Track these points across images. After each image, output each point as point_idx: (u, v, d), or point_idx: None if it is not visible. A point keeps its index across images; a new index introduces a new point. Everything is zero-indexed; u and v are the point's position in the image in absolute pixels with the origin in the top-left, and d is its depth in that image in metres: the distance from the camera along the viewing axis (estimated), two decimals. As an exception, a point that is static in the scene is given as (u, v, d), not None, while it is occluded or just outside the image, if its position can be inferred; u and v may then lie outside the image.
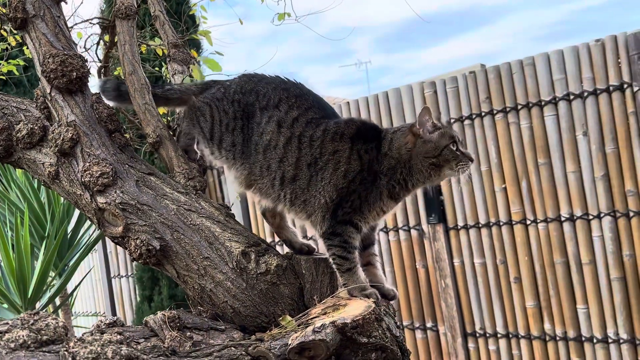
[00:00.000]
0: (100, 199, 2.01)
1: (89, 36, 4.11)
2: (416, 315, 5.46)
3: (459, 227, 5.19)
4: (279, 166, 2.08)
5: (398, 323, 2.11)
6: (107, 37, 3.49)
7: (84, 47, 4.03)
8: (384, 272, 5.66)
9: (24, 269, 4.62)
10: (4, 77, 4.89)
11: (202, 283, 2.02)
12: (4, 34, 4.41)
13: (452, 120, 5.10)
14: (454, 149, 2.00)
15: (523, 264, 4.92)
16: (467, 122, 5.05)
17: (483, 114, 4.97)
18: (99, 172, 1.99)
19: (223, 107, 2.14)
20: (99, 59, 3.88)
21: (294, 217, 2.20)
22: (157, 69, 4.90)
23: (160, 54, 4.63)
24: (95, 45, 3.99)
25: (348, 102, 5.72)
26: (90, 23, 3.73)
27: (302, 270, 2.13)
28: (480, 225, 5.08)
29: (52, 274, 5.10)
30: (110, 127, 2.09)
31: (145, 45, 4.74)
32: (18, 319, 1.45)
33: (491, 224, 5.02)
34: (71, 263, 5.26)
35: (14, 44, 4.48)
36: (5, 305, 4.68)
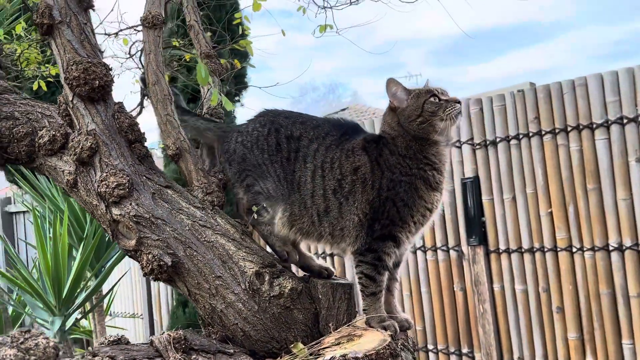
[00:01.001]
0: (115, 211, 1.97)
1: (134, 42, 4.13)
2: (452, 339, 5.28)
3: (500, 251, 5.00)
4: (313, 202, 2.01)
5: (416, 358, 1.99)
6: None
7: (129, 54, 4.05)
8: (416, 294, 5.51)
9: (59, 268, 4.67)
10: (51, 80, 4.98)
11: (213, 303, 1.95)
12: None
13: (497, 140, 4.93)
14: (435, 100, 1.97)
15: (567, 293, 4.70)
16: (513, 142, 4.87)
17: (531, 134, 4.79)
18: (115, 183, 1.95)
19: (252, 152, 2.10)
20: (142, 66, 3.89)
21: (336, 251, 2.12)
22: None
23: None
24: (140, 52, 4.00)
25: (373, 120, 5.60)
26: (135, 30, 3.74)
27: (318, 295, 2.04)
28: (523, 250, 4.88)
29: (88, 274, 5.14)
30: (131, 137, 2.05)
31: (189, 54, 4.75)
32: (9, 337, 1.40)
33: (535, 249, 4.82)
34: (108, 265, 5.30)
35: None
36: (40, 305, 4.73)
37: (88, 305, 5.47)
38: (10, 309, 5.20)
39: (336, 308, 2.03)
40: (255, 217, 2.05)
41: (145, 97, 3.36)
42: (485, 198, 5.03)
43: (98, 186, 1.97)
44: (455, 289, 5.26)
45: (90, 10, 2.11)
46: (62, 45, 2.03)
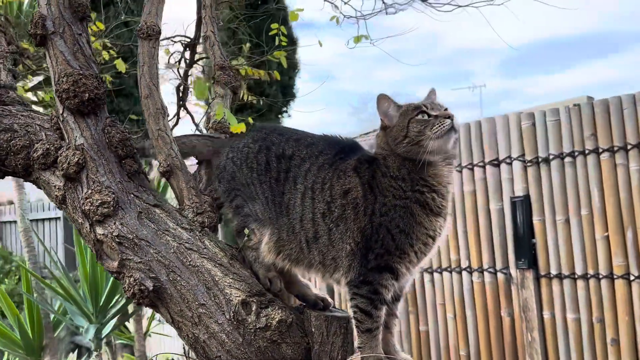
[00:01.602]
0: (99, 230, 1.88)
1: (172, 53, 4.10)
2: (497, 366, 4.99)
3: (551, 276, 4.68)
4: (301, 226, 1.86)
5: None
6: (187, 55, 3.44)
7: (167, 63, 4.01)
8: (461, 317, 5.24)
9: (97, 277, 4.68)
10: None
11: (196, 332, 1.83)
12: (98, 47, 4.51)
13: (550, 157, 4.63)
14: (423, 117, 1.78)
15: (623, 324, 4.35)
16: (568, 159, 4.56)
17: (587, 152, 4.47)
18: (100, 201, 1.86)
19: (241, 171, 1.97)
20: (180, 77, 3.85)
21: (329, 281, 1.95)
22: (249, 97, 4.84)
23: (244, 74, 4.55)
24: (177, 62, 3.96)
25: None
26: (172, 41, 3.69)
27: (311, 329, 1.88)
28: (576, 276, 4.55)
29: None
30: (121, 153, 1.96)
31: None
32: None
33: (589, 275, 4.48)
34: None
35: (107, 57, 4.56)
36: (78, 312, 4.76)
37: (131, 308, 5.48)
38: (52, 316, 5.27)
39: (330, 344, 1.86)
40: (244, 241, 1.92)
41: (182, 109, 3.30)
42: (536, 219, 4.74)
43: (83, 204, 1.89)
44: (502, 314, 4.97)
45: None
46: (55, 56, 1.96)
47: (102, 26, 4.54)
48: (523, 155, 4.79)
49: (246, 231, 1.93)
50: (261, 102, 4.77)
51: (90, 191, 1.89)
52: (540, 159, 4.70)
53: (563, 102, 4.96)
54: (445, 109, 1.81)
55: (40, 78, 4.88)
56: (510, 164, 4.87)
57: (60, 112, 1.97)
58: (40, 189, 2.12)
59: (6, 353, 5.28)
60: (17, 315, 5.06)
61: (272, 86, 7.85)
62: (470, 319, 5.12)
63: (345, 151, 1.90)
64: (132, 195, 1.93)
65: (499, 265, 4.96)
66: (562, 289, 4.63)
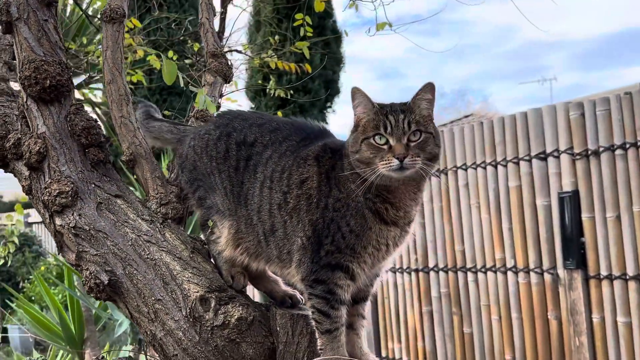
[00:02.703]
0: (58, 221, 1.82)
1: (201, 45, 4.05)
2: (544, 372, 4.68)
3: (601, 277, 4.35)
4: (259, 218, 1.73)
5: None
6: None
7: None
8: (506, 319, 4.97)
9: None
10: (132, 87, 5.07)
11: (153, 329, 1.73)
12: (133, 43, 4.53)
13: (600, 149, 4.29)
14: (377, 141, 1.57)
15: (680, 331, 3.98)
16: (619, 152, 4.22)
17: (639, 143, 4.11)
18: (57, 191, 1.80)
19: (202, 159, 1.85)
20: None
21: (291, 280, 1.81)
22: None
23: (273, 67, 4.46)
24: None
25: (472, 126, 5.12)
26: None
27: (276, 327, 1.75)
28: (627, 277, 4.20)
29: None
30: (84, 142, 1.89)
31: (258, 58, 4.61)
32: None
33: (641, 277, 4.13)
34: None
35: (141, 54, 4.57)
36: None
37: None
38: (93, 311, 5.37)
39: (296, 344, 1.72)
40: (208, 235, 1.80)
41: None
42: (585, 216, 4.41)
43: (42, 194, 1.83)
44: (549, 317, 4.66)
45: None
46: (19, 43, 1.91)
47: (138, 23, 4.56)
48: (571, 147, 4.48)
49: (209, 223, 1.82)
50: (293, 97, 4.67)
51: (50, 181, 1.82)
52: (589, 152, 4.37)
53: (614, 91, 4.61)
54: (416, 130, 1.58)
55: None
56: (557, 157, 4.56)
57: (25, 100, 1.92)
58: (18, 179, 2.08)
59: (52, 346, 5.42)
60: (59, 309, 5.18)
61: (315, 81, 7.73)
62: (516, 322, 4.84)
63: (311, 137, 1.76)
64: (93, 185, 1.85)
65: (545, 265, 4.66)
66: (612, 291, 4.29)
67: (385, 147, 1.56)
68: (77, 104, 1.93)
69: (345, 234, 1.60)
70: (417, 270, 5.53)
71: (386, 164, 1.54)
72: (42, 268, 9.45)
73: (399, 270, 5.68)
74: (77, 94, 5.37)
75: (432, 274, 5.41)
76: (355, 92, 1.63)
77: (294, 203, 1.66)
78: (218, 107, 2.29)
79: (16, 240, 6.23)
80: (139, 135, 1.89)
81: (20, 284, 10.43)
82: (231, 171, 1.77)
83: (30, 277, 9.43)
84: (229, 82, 2.47)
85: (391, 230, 1.64)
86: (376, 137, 1.57)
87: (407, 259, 5.62)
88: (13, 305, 6.73)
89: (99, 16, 1.94)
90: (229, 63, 2.48)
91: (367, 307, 1.77)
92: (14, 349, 8.33)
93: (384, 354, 5.86)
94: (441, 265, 5.34)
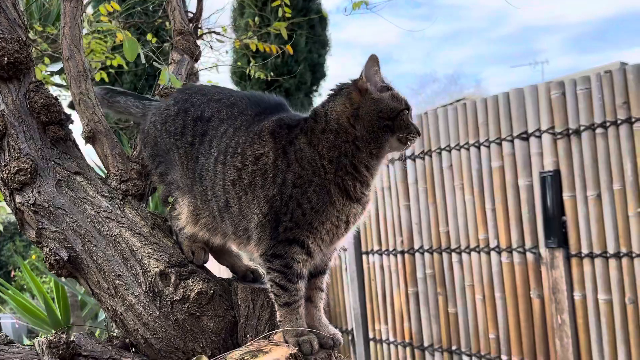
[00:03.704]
0: (18, 198, 1.82)
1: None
2: (527, 351, 4.72)
3: (582, 255, 4.37)
4: (213, 194, 1.73)
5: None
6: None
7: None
8: (490, 298, 5.00)
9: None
10: (112, 70, 5.04)
11: (113, 304, 1.74)
12: (114, 28, 4.50)
13: (581, 128, 4.30)
14: (409, 117, 1.65)
15: (659, 307, 4.01)
16: (599, 130, 4.22)
17: (619, 121, 4.12)
18: (16, 169, 1.79)
19: (161, 135, 1.85)
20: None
21: (246, 253, 1.83)
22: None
23: (254, 49, 4.44)
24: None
25: (456, 107, 5.11)
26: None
27: (237, 301, 1.76)
28: (608, 255, 4.23)
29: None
30: (44, 119, 1.88)
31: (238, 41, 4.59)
32: None
33: (621, 254, 4.15)
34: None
35: (121, 38, 4.54)
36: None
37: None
38: (79, 297, 5.38)
39: (256, 317, 1.73)
40: (169, 210, 1.80)
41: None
42: (566, 195, 4.43)
43: (2, 171, 1.82)
44: (531, 296, 4.69)
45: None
46: (-23, 21, 1.89)
47: (117, 7, 4.53)
48: (552, 127, 4.48)
49: (170, 199, 1.82)
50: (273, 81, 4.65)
51: (9, 158, 1.82)
52: (570, 131, 4.38)
53: (594, 69, 4.61)
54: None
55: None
56: (539, 137, 4.57)
57: (-16, 78, 1.90)
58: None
59: (41, 332, 5.44)
60: (45, 296, 5.19)
61: (300, 64, 7.71)
62: (500, 302, 4.87)
63: (266, 112, 1.75)
64: (52, 163, 1.85)
65: (528, 245, 4.68)
66: (593, 269, 4.32)
67: (410, 123, 1.65)
68: (37, 82, 1.93)
69: (305, 211, 1.61)
70: (402, 252, 5.55)
71: (414, 137, 1.65)
72: (33, 257, 9.46)
73: (385, 252, 5.70)
74: (58, 79, 5.35)
75: (417, 255, 5.43)
76: (375, 60, 1.65)
77: (249, 179, 1.66)
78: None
79: (0, 228, 6.23)
80: (98, 112, 1.89)
81: (12, 273, 10.43)
82: (187, 147, 1.77)
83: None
84: (196, 61, 2.46)
85: (354, 207, 1.66)
86: (406, 111, 1.64)
87: (392, 241, 5.64)
88: (3, 295, 6.75)
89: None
90: (196, 42, 2.47)
91: (325, 280, 1.78)
92: (6, 337, 8.36)
93: (371, 336, 5.89)
94: (426, 247, 5.35)
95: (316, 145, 1.62)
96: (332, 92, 1.71)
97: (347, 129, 1.62)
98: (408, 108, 1.65)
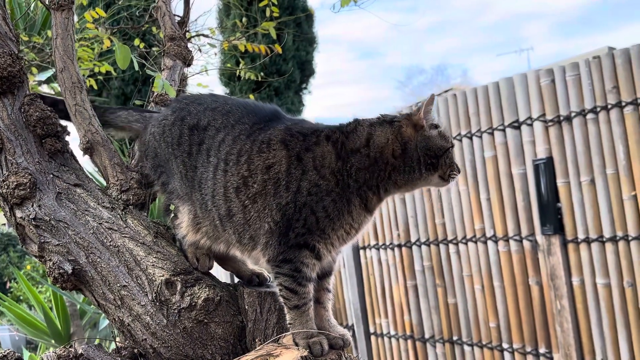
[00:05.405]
0: (18, 213, 1.80)
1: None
2: (528, 338, 4.74)
3: (578, 240, 4.40)
4: (213, 203, 1.73)
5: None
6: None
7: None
8: (489, 288, 5.02)
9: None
10: (101, 77, 5.01)
11: (120, 315, 1.73)
12: (101, 35, 4.47)
13: (572, 115, 4.32)
14: (452, 156, 1.71)
15: (657, 289, 4.04)
16: (590, 116, 4.25)
17: (609, 106, 4.14)
18: (15, 183, 1.78)
19: (160, 146, 1.85)
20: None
21: (250, 259, 1.83)
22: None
23: (243, 50, 4.42)
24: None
25: (446, 98, 5.12)
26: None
27: (244, 306, 1.76)
28: (604, 239, 4.25)
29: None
30: (40, 132, 1.87)
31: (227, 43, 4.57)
32: None
33: (618, 238, 4.18)
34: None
35: (108, 44, 4.51)
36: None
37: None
38: (78, 306, 5.36)
39: (264, 321, 1.73)
40: (171, 219, 1.80)
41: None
42: (560, 181, 4.45)
43: (0, 187, 1.81)
44: (530, 283, 4.72)
45: None
46: (-32, 36, 1.88)
47: (103, 13, 4.50)
48: (544, 114, 4.50)
49: (172, 207, 1.81)
50: (265, 80, 4.64)
51: (7, 173, 1.81)
52: (561, 118, 4.40)
53: (583, 55, 4.63)
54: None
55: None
56: (530, 125, 4.58)
57: (-23, 93, 1.89)
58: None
59: (41, 343, 5.41)
60: (44, 306, 5.16)
61: (288, 62, 7.69)
62: (499, 290, 4.89)
63: (264, 120, 1.75)
64: (51, 176, 1.84)
65: (524, 233, 4.70)
66: (590, 254, 4.35)
67: (453, 163, 1.72)
68: (31, 95, 1.91)
69: (320, 218, 1.63)
70: (400, 246, 5.56)
71: (455, 175, 1.71)
72: (28, 267, 9.40)
73: (383, 246, 5.71)
74: (46, 88, 5.31)
75: (414, 248, 5.44)
76: (433, 99, 1.69)
77: (259, 188, 1.66)
78: (178, 91, 2.28)
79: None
80: (94, 123, 1.88)
81: (7, 285, 10.38)
82: (184, 156, 1.77)
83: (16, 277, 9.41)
84: (188, 66, 2.45)
85: (367, 217, 1.71)
86: (451, 149, 1.70)
87: (389, 236, 5.65)
88: (0, 307, 6.71)
89: (47, 2, 1.90)
90: (188, 47, 2.46)
91: (332, 281, 1.79)
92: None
93: (372, 330, 5.90)
94: (423, 239, 5.37)
95: (345, 161, 1.64)
96: (382, 119, 1.72)
97: (388, 160, 1.66)
98: (453, 146, 1.71)
